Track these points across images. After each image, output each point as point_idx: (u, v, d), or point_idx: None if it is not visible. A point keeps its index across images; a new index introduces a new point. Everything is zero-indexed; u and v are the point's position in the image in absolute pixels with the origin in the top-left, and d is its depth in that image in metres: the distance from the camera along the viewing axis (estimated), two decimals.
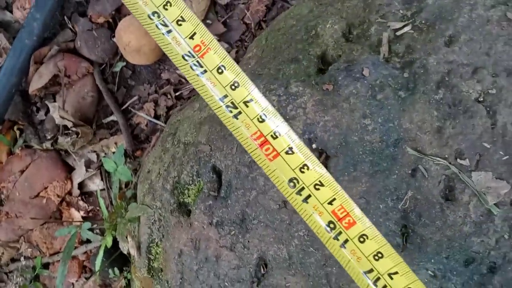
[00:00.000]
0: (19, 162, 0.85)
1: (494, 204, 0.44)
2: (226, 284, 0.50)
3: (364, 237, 0.28)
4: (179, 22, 0.27)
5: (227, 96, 0.27)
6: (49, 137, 0.85)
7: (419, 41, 0.49)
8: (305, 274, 0.47)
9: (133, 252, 0.59)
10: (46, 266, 0.86)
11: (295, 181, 0.27)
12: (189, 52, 0.26)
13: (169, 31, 0.27)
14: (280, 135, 0.27)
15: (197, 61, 0.26)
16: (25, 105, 0.87)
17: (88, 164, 0.82)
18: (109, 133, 0.83)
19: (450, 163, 0.44)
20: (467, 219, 0.44)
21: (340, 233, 0.28)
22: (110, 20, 0.81)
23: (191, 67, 0.26)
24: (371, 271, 0.28)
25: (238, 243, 0.50)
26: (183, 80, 0.82)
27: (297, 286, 0.47)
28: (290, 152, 0.27)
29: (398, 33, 0.51)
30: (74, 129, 0.80)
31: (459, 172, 0.44)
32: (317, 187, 0.27)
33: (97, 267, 0.66)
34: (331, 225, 0.28)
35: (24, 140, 0.86)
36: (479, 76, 0.46)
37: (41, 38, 0.81)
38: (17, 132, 0.87)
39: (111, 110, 0.82)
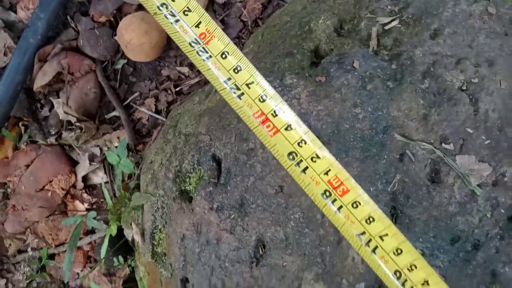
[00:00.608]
0: (25, 157, 0.88)
1: (477, 185, 0.47)
2: (227, 265, 0.53)
3: (357, 203, 0.31)
4: (186, 12, 0.29)
5: (231, 78, 0.29)
6: (53, 133, 0.87)
7: (406, 35, 0.52)
8: (301, 253, 0.50)
9: (138, 238, 0.62)
10: (52, 257, 0.89)
11: (294, 154, 0.30)
12: (195, 39, 0.29)
13: (177, 21, 0.29)
14: (279, 113, 0.30)
15: (203, 48, 0.29)
16: (30, 102, 0.89)
17: (91, 158, 0.85)
18: (111, 128, 0.86)
19: (435, 147, 0.47)
20: (452, 200, 0.47)
21: (335, 200, 0.31)
22: (112, 19, 0.84)
23: (197, 53, 0.29)
24: (363, 233, 0.31)
25: (238, 226, 0.53)
26: (183, 76, 0.85)
27: (294, 265, 0.50)
28: (289, 128, 0.30)
29: (386, 28, 0.54)
30: (78, 124, 0.83)
31: (444, 156, 0.47)
32: (313, 159, 0.30)
33: (102, 255, 0.69)
34: (327, 193, 0.30)
35: (29, 135, 0.89)
36: (462, 66, 0.49)
37: (45, 37, 0.84)
38: (22, 128, 0.89)
39: (113, 105, 0.85)
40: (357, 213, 0.30)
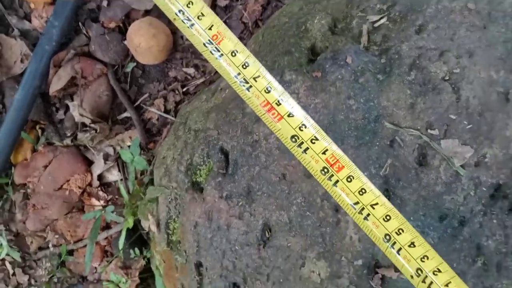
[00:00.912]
0: (43, 158, 0.94)
1: (461, 166, 0.51)
2: (237, 248, 0.58)
3: (351, 177, 0.35)
4: (200, 17, 0.34)
5: (240, 73, 0.34)
6: (69, 134, 0.93)
7: (393, 31, 0.57)
8: (303, 234, 0.55)
9: (154, 228, 0.67)
10: (70, 252, 0.94)
11: (296, 137, 0.35)
12: (208, 40, 0.34)
13: (192, 25, 0.34)
14: (282, 102, 0.35)
15: (215, 47, 0.34)
16: (46, 105, 0.95)
17: (106, 157, 0.91)
18: (124, 128, 0.91)
19: (422, 133, 0.52)
20: (439, 180, 0.52)
21: (332, 175, 0.35)
22: (121, 25, 0.90)
23: (211, 52, 0.34)
24: (357, 203, 0.35)
25: (245, 212, 0.58)
26: (189, 77, 0.90)
27: (297, 245, 0.55)
28: (291, 115, 0.35)
29: (375, 25, 0.58)
30: (92, 125, 0.89)
31: (430, 141, 0.52)
32: (313, 141, 0.35)
33: (120, 246, 0.74)
34: (325, 170, 0.35)
35: (46, 138, 0.94)
36: (445, 58, 0.54)
37: (59, 43, 0.89)
38: (39, 131, 0.95)
39: (125, 107, 0.90)
40: (351, 186, 0.35)
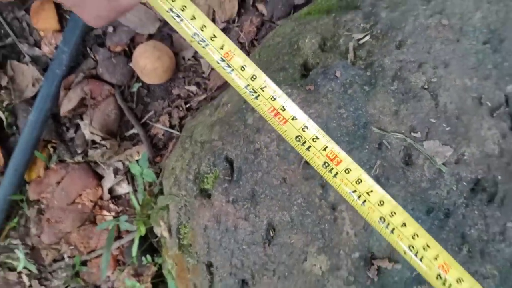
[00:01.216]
0: (55, 174, 0.99)
1: (442, 164, 0.58)
2: (244, 247, 0.63)
3: (348, 169, 0.41)
4: (212, 38, 0.41)
5: (249, 85, 0.41)
6: (79, 152, 0.99)
7: (376, 47, 0.64)
8: (304, 232, 0.61)
9: (166, 234, 0.73)
10: (84, 263, 0.99)
11: (299, 137, 0.41)
12: (221, 58, 0.41)
13: (207, 45, 0.41)
14: (286, 108, 0.41)
15: (227, 64, 0.40)
16: (57, 125, 1.01)
17: (115, 172, 0.96)
18: (131, 144, 0.97)
19: (406, 136, 0.59)
20: (423, 177, 0.58)
21: (332, 168, 0.41)
22: (126, 48, 0.96)
23: (223, 68, 0.40)
24: (355, 191, 0.41)
25: (251, 214, 0.63)
26: (191, 94, 0.96)
27: (299, 241, 0.61)
28: (294, 118, 0.41)
29: (360, 42, 0.65)
30: (102, 142, 0.94)
31: (414, 143, 0.58)
32: (314, 140, 0.41)
33: (134, 253, 0.80)
34: (326, 164, 0.41)
35: (57, 156, 1.00)
36: (423, 69, 0.61)
37: (68, 67, 0.96)
38: (51, 150, 1.01)
39: (132, 124, 0.96)
40: (349, 177, 0.41)
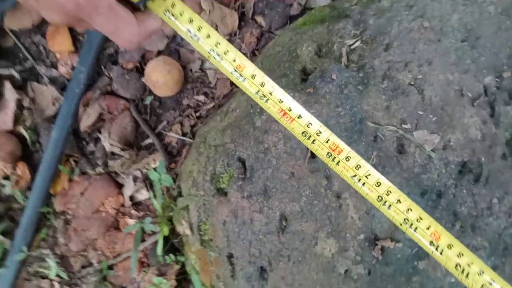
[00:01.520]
0: (79, 186, 1.07)
1: (432, 150, 0.65)
2: (260, 237, 0.71)
3: (348, 157, 0.48)
4: (226, 53, 0.48)
5: (259, 91, 0.48)
6: (100, 163, 1.06)
7: (366, 51, 0.71)
8: (313, 219, 0.68)
9: (188, 232, 0.80)
10: (110, 267, 1.06)
11: (305, 132, 0.48)
12: (234, 69, 0.48)
13: (222, 59, 0.48)
14: (292, 108, 0.48)
15: (240, 74, 0.48)
16: (77, 140, 1.09)
17: (135, 180, 1.04)
18: (148, 153, 1.05)
19: (398, 128, 0.66)
20: (416, 164, 0.65)
21: (334, 157, 0.48)
22: (138, 65, 1.04)
23: (236, 77, 0.48)
24: (355, 176, 0.48)
25: (264, 207, 0.71)
26: (200, 103, 1.04)
27: (310, 228, 0.68)
28: (300, 117, 0.48)
29: (352, 47, 0.73)
30: (121, 153, 1.02)
31: (405, 133, 0.66)
32: (318, 134, 0.48)
33: (159, 252, 0.87)
34: (329, 154, 0.48)
35: (80, 168, 1.08)
36: (409, 67, 0.68)
37: (86, 86, 1.03)
38: (73, 163, 1.08)
39: (147, 134, 1.04)
40: (349, 164, 0.48)
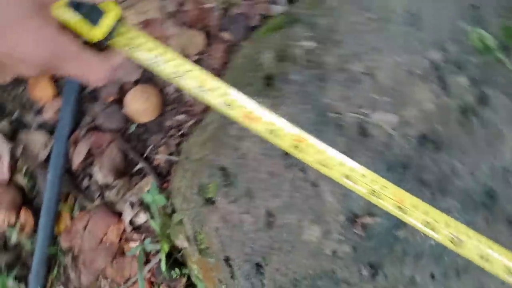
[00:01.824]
0: (80, 221, 1.12)
1: (392, 129, 0.70)
2: (251, 235, 0.76)
3: (310, 145, 0.53)
4: (188, 71, 0.53)
5: (224, 101, 0.53)
6: (97, 196, 1.11)
7: (321, 49, 0.77)
8: (296, 210, 0.73)
9: (186, 244, 0.85)
10: None
11: (270, 130, 0.54)
12: (199, 85, 0.53)
13: (183, 77, 0.54)
14: (255, 112, 0.53)
15: (203, 90, 0.53)
16: (72, 178, 1.14)
17: (132, 205, 1.09)
18: (140, 178, 1.10)
19: (357, 114, 0.72)
20: (379, 142, 0.71)
21: (297, 146, 0.53)
22: (117, 97, 1.10)
23: (199, 93, 0.53)
24: (318, 161, 0.54)
25: (250, 207, 0.76)
26: (182, 122, 1.10)
27: (294, 219, 0.73)
28: (263, 118, 0.53)
29: (308, 48, 0.79)
30: (115, 183, 1.07)
31: (364, 117, 0.71)
32: (280, 130, 0.54)
33: (163, 268, 0.91)
34: (293, 145, 0.53)
35: (79, 204, 1.13)
36: (360, 58, 0.74)
37: (72, 125, 1.09)
38: (72, 201, 1.13)
39: (136, 160, 1.09)
40: (311, 151, 0.53)
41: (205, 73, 0.55)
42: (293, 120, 0.75)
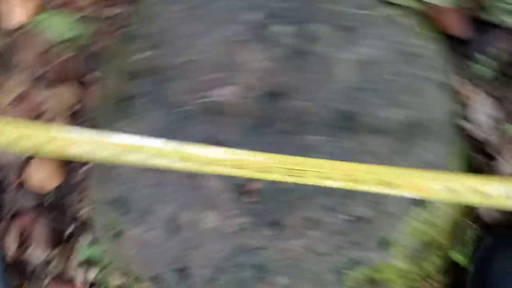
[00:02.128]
0: None
1: (241, 97, 0.74)
2: (164, 246, 0.78)
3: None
4: None
5: None
6: (44, 276, 1.12)
7: (162, 56, 0.81)
8: (187, 207, 0.76)
9: (124, 279, 0.87)
10: None
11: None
12: None
13: None
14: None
15: None
16: (15, 270, 1.14)
17: (79, 266, 1.10)
18: (76, 239, 1.11)
19: (200, 99, 0.75)
20: (234, 112, 0.74)
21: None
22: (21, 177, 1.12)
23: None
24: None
25: (152, 222, 0.78)
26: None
27: (191, 216, 0.76)
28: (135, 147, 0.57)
29: (147, 57, 0.82)
30: (53, 254, 1.09)
31: (208, 99, 0.75)
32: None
33: None
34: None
35: None
36: (185, 50, 0.78)
37: None
38: None
39: (66, 224, 1.11)
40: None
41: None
42: (154, 129, 0.78)
